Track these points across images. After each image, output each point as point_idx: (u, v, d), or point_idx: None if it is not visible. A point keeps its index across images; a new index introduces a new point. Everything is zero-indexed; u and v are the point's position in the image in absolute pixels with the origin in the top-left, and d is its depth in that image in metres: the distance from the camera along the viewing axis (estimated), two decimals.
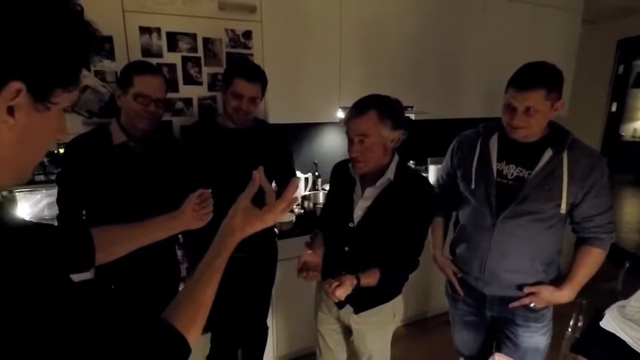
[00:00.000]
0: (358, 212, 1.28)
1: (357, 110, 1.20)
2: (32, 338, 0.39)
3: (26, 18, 0.40)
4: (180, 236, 1.73)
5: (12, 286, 0.40)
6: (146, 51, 1.68)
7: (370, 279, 1.19)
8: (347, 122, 1.23)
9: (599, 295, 1.82)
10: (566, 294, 1.31)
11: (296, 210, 2.22)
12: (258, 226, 0.70)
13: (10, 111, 0.41)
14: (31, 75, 0.41)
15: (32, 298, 0.41)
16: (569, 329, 1.74)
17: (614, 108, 3.38)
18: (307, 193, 2.39)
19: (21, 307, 0.39)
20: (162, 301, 1.59)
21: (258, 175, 0.74)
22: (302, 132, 2.48)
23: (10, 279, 0.41)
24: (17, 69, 0.40)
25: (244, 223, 0.69)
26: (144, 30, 1.66)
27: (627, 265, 2.08)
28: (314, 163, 2.48)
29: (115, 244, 0.85)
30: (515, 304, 1.34)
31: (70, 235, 0.78)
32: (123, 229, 0.89)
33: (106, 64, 1.63)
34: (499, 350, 1.46)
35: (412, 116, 2.33)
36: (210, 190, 1.01)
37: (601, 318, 1.63)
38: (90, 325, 0.44)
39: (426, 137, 2.59)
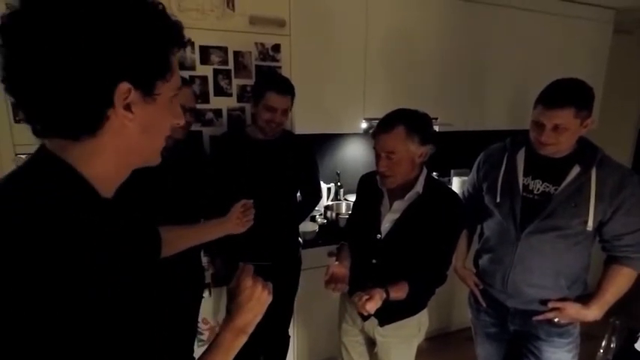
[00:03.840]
0: (386, 225, 1.29)
1: (385, 126, 1.21)
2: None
3: (118, 27, 0.47)
4: None
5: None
6: (180, 64, 1.75)
7: (399, 293, 1.19)
8: (374, 137, 1.24)
9: (634, 315, 1.75)
10: (593, 312, 1.29)
11: (319, 220, 2.24)
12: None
13: (128, 107, 0.50)
14: (132, 74, 0.49)
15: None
16: (601, 351, 1.68)
17: None
18: (330, 203, 2.41)
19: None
20: (185, 307, 1.63)
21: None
22: (326, 142, 2.50)
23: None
24: (121, 72, 0.48)
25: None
26: None
27: None
28: (337, 173, 2.50)
29: (172, 241, 0.91)
30: (540, 317, 1.33)
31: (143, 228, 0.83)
32: (177, 228, 0.98)
33: None
34: None
35: (437, 128, 2.32)
36: (252, 201, 1.11)
37: (636, 340, 1.57)
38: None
39: (450, 149, 2.57)
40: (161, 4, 0.52)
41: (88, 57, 0.45)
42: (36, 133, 0.50)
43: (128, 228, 0.60)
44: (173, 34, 0.53)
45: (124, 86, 0.48)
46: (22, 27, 0.45)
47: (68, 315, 0.41)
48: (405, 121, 1.19)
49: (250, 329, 0.69)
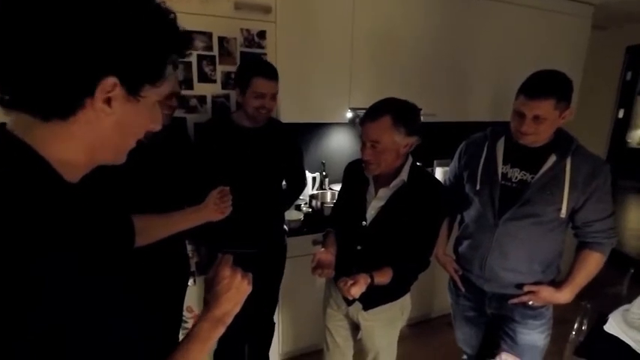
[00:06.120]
0: (371, 212, 1.31)
1: (372, 115, 1.21)
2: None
3: (119, 20, 0.46)
4: None
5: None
6: None
7: (383, 278, 1.22)
8: (361, 126, 1.25)
9: (604, 299, 1.84)
10: (565, 295, 1.35)
11: (304, 209, 2.25)
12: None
13: (108, 101, 0.49)
14: (123, 71, 0.48)
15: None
16: (573, 332, 1.76)
17: (620, 114, 3.39)
18: (315, 192, 2.42)
19: None
20: (170, 295, 1.60)
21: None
22: (311, 131, 2.50)
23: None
24: (112, 66, 0.47)
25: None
26: None
27: (632, 271, 2.09)
28: (322, 162, 2.51)
29: (147, 230, 0.89)
30: (515, 300, 1.38)
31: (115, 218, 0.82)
32: (152, 217, 0.95)
33: None
34: (498, 347, 1.49)
35: (421, 118, 2.34)
36: (228, 187, 1.09)
37: (605, 322, 1.65)
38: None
39: (433, 139, 2.60)
40: (173, 13, 0.52)
41: (83, 41, 0.44)
42: (3, 103, 0.48)
43: (97, 215, 0.58)
44: (176, 43, 0.53)
45: (110, 80, 0.47)
46: None
47: (33, 313, 0.40)
48: (392, 111, 1.19)
49: (229, 319, 0.67)
